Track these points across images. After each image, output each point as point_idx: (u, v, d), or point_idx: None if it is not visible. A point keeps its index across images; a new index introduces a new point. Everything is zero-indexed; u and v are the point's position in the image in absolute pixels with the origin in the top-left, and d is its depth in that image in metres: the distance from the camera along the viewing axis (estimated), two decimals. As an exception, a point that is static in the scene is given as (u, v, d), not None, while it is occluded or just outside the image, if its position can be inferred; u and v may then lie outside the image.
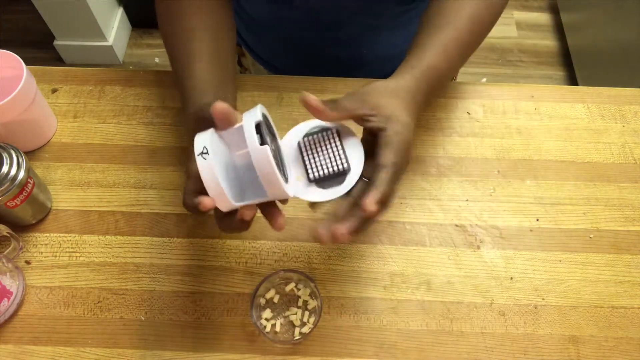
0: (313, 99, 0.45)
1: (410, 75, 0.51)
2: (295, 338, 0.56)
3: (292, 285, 0.59)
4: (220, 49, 0.58)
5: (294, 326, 0.57)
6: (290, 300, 0.59)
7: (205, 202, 0.42)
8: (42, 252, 0.62)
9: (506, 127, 0.71)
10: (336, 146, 0.46)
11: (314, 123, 0.48)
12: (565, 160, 0.69)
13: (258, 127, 0.42)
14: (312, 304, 0.58)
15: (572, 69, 1.86)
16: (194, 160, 0.42)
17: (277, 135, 0.47)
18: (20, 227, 0.63)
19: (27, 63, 0.63)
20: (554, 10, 2.04)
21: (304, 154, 0.47)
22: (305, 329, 0.57)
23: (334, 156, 0.46)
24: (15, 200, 0.58)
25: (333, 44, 0.78)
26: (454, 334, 0.58)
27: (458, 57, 0.55)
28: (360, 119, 0.47)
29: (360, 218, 0.43)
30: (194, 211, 0.44)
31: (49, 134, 0.70)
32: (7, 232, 0.59)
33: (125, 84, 0.75)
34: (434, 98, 0.53)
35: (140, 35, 1.99)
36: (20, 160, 0.58)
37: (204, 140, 0.42)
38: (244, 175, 0.46)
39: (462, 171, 0.68)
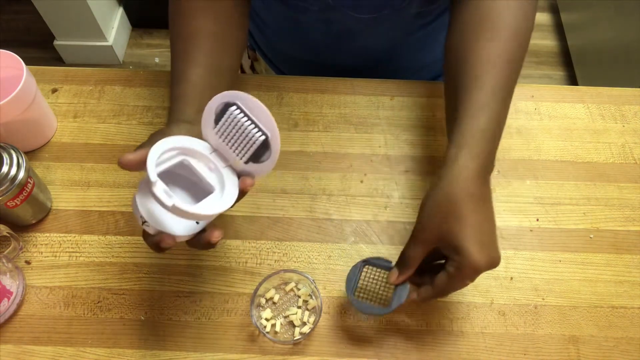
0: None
1: (465, 160, 0.50)
2: (295, 338, 0.56)
3: (292, 285, 0.59)
4: (221, 56, 0.58)
5: (294, 326, 0.57)
6: (290, 300, 0.59)
7: (167, 241, 0.45)
8: (42, 252, 0.62)
9: (506, 127, 0.71)
10: (243, 122, 0.46)
11: (216, 102, 0.47)
12: (565, 160, 0.69)
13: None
14: (312, 304, 0.58)
15: (572, 68, 1.86)
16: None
17: (194, 145, 0.48)
18: (20, 227, 0.63)
19: (27, 63, 0.63)
20: (554, 10, 2.04)
21: (225, 142, 0.47)
22: (305, 329, 0.57)
23: (247, 132, 0.46)
24: (15, 200, 0.58)
25: (347, 54, 0.77)
26: (454, 333, 0.58)
27: (509, 86, 0.55)
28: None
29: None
30: (152, 247, 0.47)
31: (49, 134, 0.70)
32: (7, 232, 0.59)
33: (125, 84, 0.75)
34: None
35: (140, 35, 1.99)
36: (20, 160, 0.58)
37: (136, 208, 0.45)
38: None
39: (462, 171, 0.68)
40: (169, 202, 0.41)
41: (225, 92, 0.46)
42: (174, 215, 0.44)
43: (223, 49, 0.58)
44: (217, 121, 0.47)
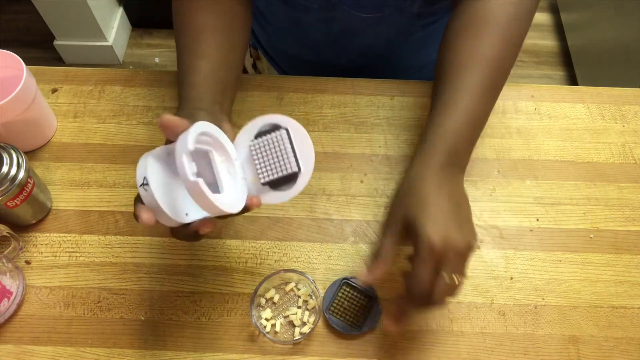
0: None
1: (429, 152, 0.51)
2: (295, 338, 0.56)
3: (292, 285, 0.59)
4: (227, 51, 0.58)
5: (294, 326, 0.57)
6: (290, 300, 0.59)
7: (143, 217, 0.43)
8: (42, 252, 0.62)
9: (506, 127, 0.71)
10: (285, 147, 0.46)
11: (267, 119, 0.47)
12: (565, 160, 0.69)
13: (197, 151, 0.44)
14: (312, 304, 0.58)
15: (572, 68, 1.86)
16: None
17: (226, 144, 0.47)
18: (20, 227, 0.63)
19: (27, 63, 0.63)
20: (554, 10, 2.04)
21: (255, 157, 0.47)
22: (305, 329, 0.57)
23: (284, 158, 0.46)
24: (15, 200, 0.58)
25: (348, 53, 0.77)
26: (454, 334, 0.58)
27: (492, 90, 0.55)
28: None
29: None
30: (135, 216, 0.45)
31: (49, 134, 0.70)
32: (7, 232, 0.59)
33: (125, 84, 0.75)
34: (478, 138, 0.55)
35: (140, 35, 1.99)
36: (20, 160, 0.58)
37: (143, 168, 0.43)
38: None
39: (462, 171, 0.68)
40: (192, 177, 0.40)
41: (282, 116, 0.46)
42: (179, 195, 0.43)
43: (230, 44, 0.59)
44: (257, 136, 0.47)
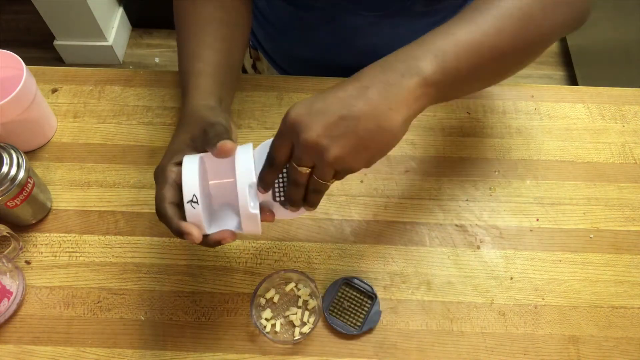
0: None
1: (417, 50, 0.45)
2: (295, 338, 0.56)
3: (292, 285, 0.59)
4: (230, 47, 0.58)
5: (294, 326, 0.57)
6: (290, 300, 0.59)
7: (195, 234, 0.44)
8: (42, 252, 0.62)
9: (506, 127, 0.71)
10: None
11: None
12: (565, 160, 0.69)
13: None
14: (312, 304, 0.58)
15: (572, 68, 1.86)
16: (173, 164, 0.46)
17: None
18: (20, 227, 0.63)
19: (27, 63, 0.63)
20: (554, 10, 2.03)
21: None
22: (305, 329, 0.57)
23: None
24: (15, 200, 0.58)
25: (352, 53, 0.77)
26: (454, 334, 0.58)
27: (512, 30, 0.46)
28: None
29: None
30: (174, 231, 0.45)
31: (49, 134, 0.70)
32: (7, 232, 0.59)
33: (125, 84, 0.75)
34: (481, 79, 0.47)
35: (140, 35, 1.99)
36: (20, 160, 0.58)
37: (193, 185, 0.43)
38: (217, 204, 0.49)
39: (462, 171, 0.68)
40: (253, 210, 0.42)
41: None
42: (208, 207, 0.44)
43: (232, 41, 0.59)
44: None
